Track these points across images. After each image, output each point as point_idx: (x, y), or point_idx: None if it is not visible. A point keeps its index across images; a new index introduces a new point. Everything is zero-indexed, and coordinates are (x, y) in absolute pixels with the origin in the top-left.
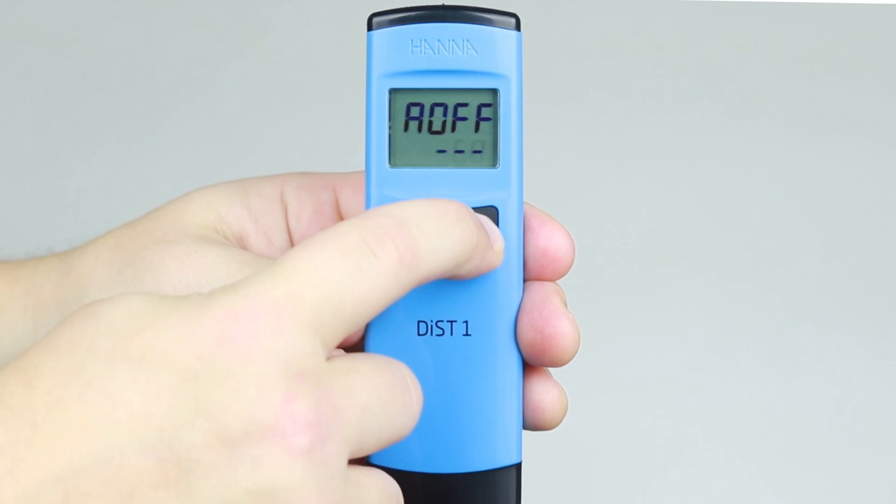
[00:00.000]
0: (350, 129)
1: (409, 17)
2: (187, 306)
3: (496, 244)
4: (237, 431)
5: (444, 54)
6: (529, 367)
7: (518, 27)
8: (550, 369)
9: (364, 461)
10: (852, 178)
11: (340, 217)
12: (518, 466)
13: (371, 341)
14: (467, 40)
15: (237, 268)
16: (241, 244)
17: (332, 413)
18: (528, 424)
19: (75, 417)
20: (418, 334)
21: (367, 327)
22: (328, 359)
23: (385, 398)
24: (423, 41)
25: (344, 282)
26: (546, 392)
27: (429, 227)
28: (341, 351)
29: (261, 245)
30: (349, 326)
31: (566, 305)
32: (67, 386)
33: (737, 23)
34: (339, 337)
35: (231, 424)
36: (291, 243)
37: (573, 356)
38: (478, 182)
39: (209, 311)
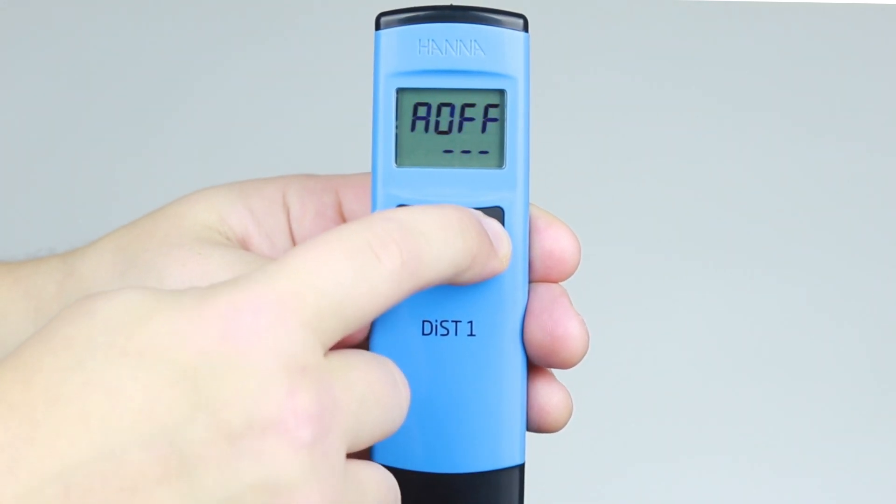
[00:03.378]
0: (356, 128)
1: (417, 16)
2: (186, 301)
3: (502, 249)
4: (239, 426)
5: (452, 54)
6: (534, 368)
7: (526, 28)
8: (555, 371)
9: (363, 456)
10: (856, 177)
11: (343, 220)
12: (521, 467)
13: (375, 340)
14: (475, 41)
15: (241, 269)
16: (243, 245)
17: (332, 406)
18: (533, 426)
19: (75, 414)
20: (423, 334)
21: (372, 326)
22: (324, 356)
23: (379, 392)
24: (430, 41)
25: (346, 285)
26: (552, 394)
27: (433, 235)
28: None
29: (263, 247)
30: (347, 327)
31: (573, 306)
32: (66, 382)
33: (741, 22)
34: (336, 338)
35: (233, 419)
36: (293, 245)
37: (582, 357)
38: (484, 182)
39: (210, 305)
